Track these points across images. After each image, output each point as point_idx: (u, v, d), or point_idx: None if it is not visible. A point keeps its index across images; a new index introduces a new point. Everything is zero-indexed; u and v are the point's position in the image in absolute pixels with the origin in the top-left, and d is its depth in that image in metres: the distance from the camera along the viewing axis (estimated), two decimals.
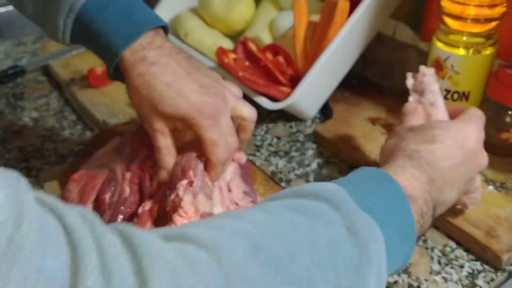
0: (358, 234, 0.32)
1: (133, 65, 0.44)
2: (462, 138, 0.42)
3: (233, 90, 0.51)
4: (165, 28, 0.48)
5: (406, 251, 0.36)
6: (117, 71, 0.47)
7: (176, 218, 0.41)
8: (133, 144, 0.51)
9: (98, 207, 0.50)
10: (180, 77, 0.44)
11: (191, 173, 0.44)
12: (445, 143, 0.41)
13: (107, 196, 0.49)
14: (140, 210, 0.46)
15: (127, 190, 0.49)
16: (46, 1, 0.46)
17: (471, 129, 0.43)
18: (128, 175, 0.49)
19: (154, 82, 0.44)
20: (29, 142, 0.68)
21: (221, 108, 0.46)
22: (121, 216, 0.47)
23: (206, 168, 0.48)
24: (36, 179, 0.61)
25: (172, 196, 0.43)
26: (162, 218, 0.44)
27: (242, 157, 0.55)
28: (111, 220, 0.48)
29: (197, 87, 0.45)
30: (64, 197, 0.53)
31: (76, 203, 0.51)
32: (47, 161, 0.64)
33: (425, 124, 0.45)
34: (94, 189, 0.51)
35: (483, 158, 0.45)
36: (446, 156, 0.41)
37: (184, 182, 0.43)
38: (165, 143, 0.47)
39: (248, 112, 0.50)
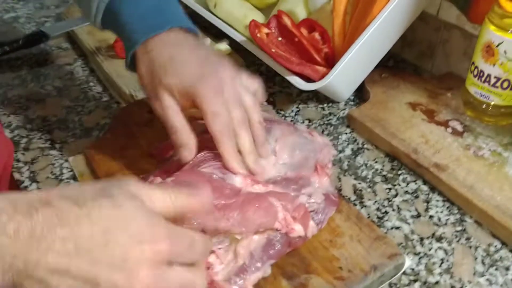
0: None
1: (143, 47, 0.46)
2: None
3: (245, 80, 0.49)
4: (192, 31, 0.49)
5: None
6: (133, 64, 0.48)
7: None
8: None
9: None
10: (183, 50, 0.45)
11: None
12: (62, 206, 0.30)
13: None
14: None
15: None
16: None
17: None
18: None
19: (158, 56, 0.45)
20: (53, 112, 0.66)
21: (224, 79, 0.45)
22: None
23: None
24: (61, 152, 0.59)
25: None
26: None
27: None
28: None
29: (200, 59, 0.45)
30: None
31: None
32: (71, 134, 0.62)
33: None
34: None
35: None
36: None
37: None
38: (178, 119, 0.45)
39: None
